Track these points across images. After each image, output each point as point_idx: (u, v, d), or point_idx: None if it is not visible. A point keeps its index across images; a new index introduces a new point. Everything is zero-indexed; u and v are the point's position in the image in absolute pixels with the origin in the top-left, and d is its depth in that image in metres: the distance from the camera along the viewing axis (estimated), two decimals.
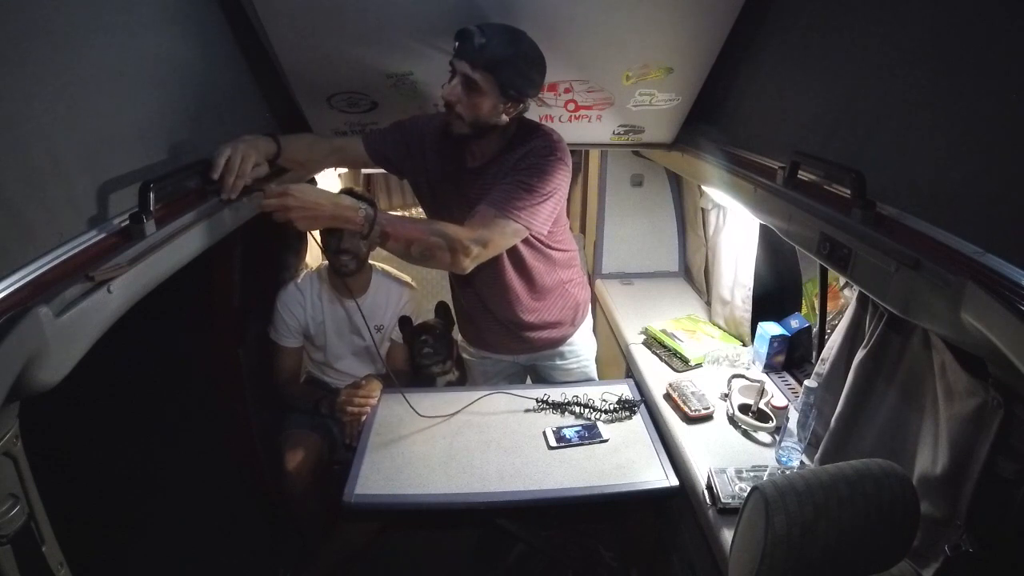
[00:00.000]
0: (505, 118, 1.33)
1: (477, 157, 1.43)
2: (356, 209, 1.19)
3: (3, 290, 0.69)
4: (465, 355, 1.86)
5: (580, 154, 2.69)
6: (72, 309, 0.72)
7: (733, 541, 0.92)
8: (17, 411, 0.71)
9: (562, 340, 1.73)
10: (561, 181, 1.37)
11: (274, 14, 1.28)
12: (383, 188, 3.07)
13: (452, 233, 1.25)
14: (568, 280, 1.65)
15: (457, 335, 1.90)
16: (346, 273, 1.84)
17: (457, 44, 1.24)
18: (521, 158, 1.36)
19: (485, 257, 1.33)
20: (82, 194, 0.87)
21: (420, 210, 2.95)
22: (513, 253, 1.48)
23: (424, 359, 1.94)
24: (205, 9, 1.20)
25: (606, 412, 1.62)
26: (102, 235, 0.88)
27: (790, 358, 1.81)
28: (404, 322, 1.96)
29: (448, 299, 2.61)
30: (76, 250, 0.82)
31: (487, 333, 1.69)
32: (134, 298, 0.86)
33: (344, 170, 2.51)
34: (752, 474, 1.31)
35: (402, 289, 2.01)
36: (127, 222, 0.91)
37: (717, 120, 1.62)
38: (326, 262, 1.98)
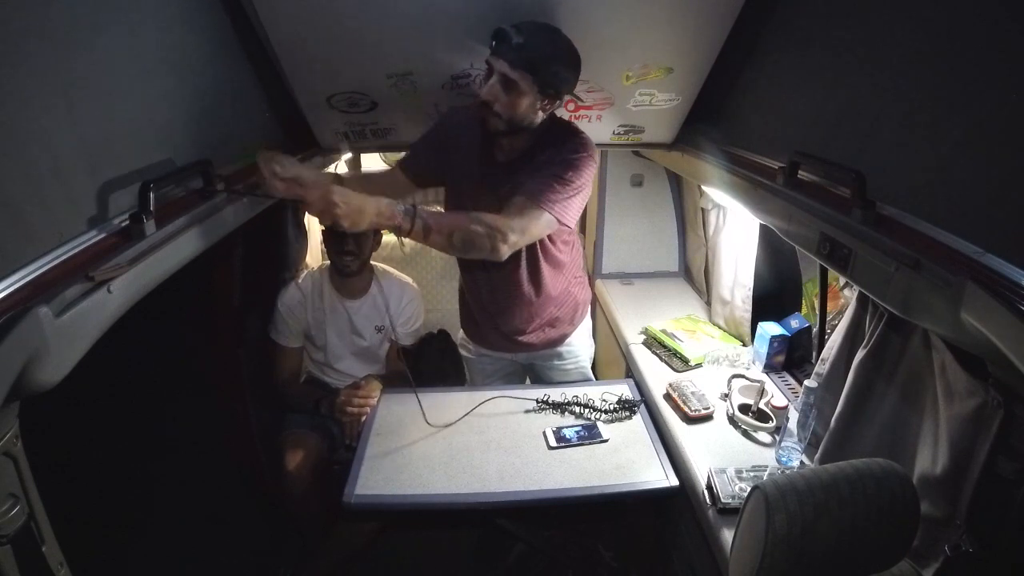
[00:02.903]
0: (541, 115, 1.34)
1: (507, 152, 1.43)
2: (396, 206, 1.21)
3: (3, 290, 0.69)
4: (464, 353, 1.86)
5: None
6: (72, 309, 0.72)
7: (733, 541, 0.92)
8: (17, 411, 0.71)
9: (560, 340, 1.73)
10: (589, 177, 1.40)
11: (274, 14, 1.28)
12: None
13: (491, 221, 1.28)
14: (572, 279, 1.67)
15: (459, 336, 1.90)
16: (349, 273, 1.85)
17: (494, 43, 1.25)
18: (554, 154, 1.38)
19: (521, 245, 1.37)
20: (82, 194, 0.87)
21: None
22: (528, 248, 1.50)
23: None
24: (205, 9, 1.20)
25: (606, 412, 1.62)
26: (102, 235, 0.88)
27: (790, 358, 1.81)
28: (405, 355, 1.88)
29: (445, 301, 2.63)
30: (76, 250, 0.82)
31: (489, 330, 1.69)
32: (134, 298, 0.86)
33: (343, 170, 2.51)
34: (752, 474, 1.31)
35: (403, 289, 2.01)
36: (127, 222, 0.91)
37: (717, 120, 1.62)
38: (327, 262, 1.98)
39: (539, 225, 1.34)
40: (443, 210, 1.61)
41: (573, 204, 1.37)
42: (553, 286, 1.61)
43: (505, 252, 1.30)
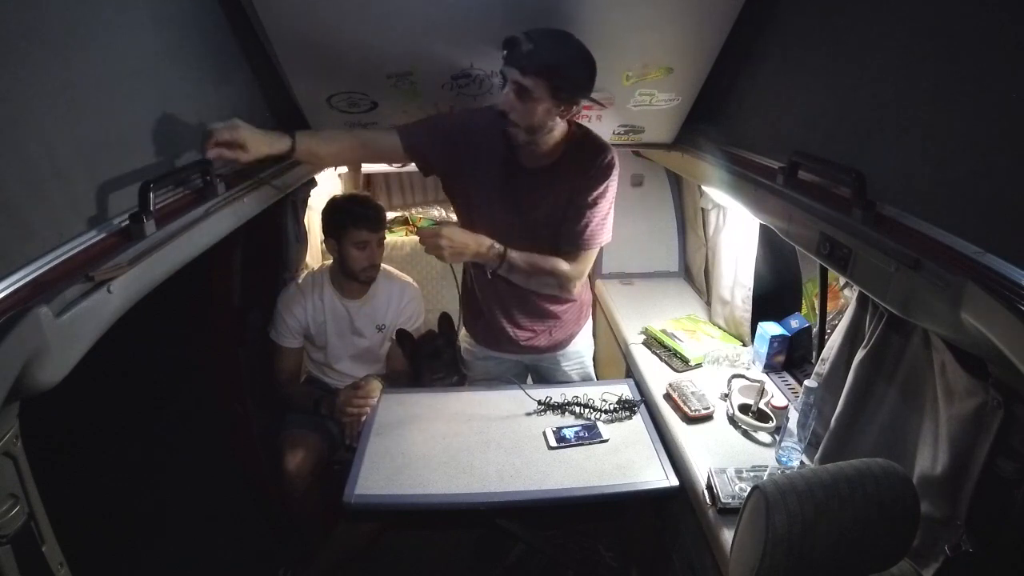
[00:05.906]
0: (560, 121, 1.37)
1: (534, 159, 1.44)
2: (492, 247, 1.39)
3: (3, 290, 0.69)
4: (468, 356, 1.86)
5: None
6: (72, 309, 0.73)
7: (733, 541, 0.92)
8: (17, 411, 0.71)
9: (567, 341, 1.76)
10: (615, 192, 1.49)
11: (274, 14, 1.28)
12: (383, 189, 3.06)
13: (562, 270, 1.48)
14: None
15: (461, 336, 1.90)
16: (371, 282, 1.90)
17: (506, 52, 1.26)
18: (584, 172, 1.43)
19: (583, 281, 1.60)
20: (82, 194, 0.87)
21: (418, 209, 2.95)
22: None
23: (434, 383, 1.88)
24: (205, 9, 1.20)
25: (606, 412, 1.62)
26: (102, 235, 0.88)
27: (790, 358, 1.81)
28: (403, 337, 1.91)
29: (445, 301, 2.63)
30: (76, 250, 0.82)
31: (499, 332, 1.70)
32: (134, 298, 0.86)
33: (344, 170, 2.52)
34: (752, 474, 1.31)
35: (404, 288, 2.01)
36: (127, 222, 0.91)
37: (717, 120, 1.62)
38: (327, 262, 1.98)
39: (591, 259, 1.53)
40: (455, 215, 1.67)
41: (608, 225, 1.50)
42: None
43: (573, 292, 1.56)
